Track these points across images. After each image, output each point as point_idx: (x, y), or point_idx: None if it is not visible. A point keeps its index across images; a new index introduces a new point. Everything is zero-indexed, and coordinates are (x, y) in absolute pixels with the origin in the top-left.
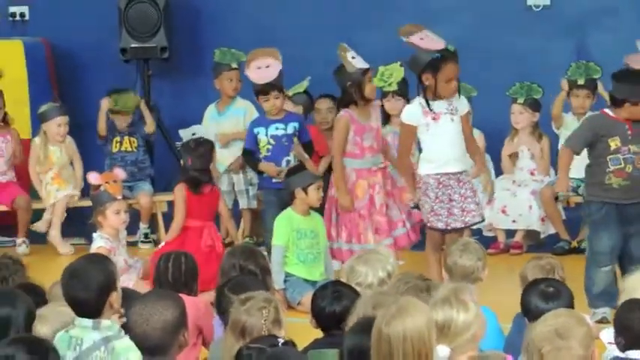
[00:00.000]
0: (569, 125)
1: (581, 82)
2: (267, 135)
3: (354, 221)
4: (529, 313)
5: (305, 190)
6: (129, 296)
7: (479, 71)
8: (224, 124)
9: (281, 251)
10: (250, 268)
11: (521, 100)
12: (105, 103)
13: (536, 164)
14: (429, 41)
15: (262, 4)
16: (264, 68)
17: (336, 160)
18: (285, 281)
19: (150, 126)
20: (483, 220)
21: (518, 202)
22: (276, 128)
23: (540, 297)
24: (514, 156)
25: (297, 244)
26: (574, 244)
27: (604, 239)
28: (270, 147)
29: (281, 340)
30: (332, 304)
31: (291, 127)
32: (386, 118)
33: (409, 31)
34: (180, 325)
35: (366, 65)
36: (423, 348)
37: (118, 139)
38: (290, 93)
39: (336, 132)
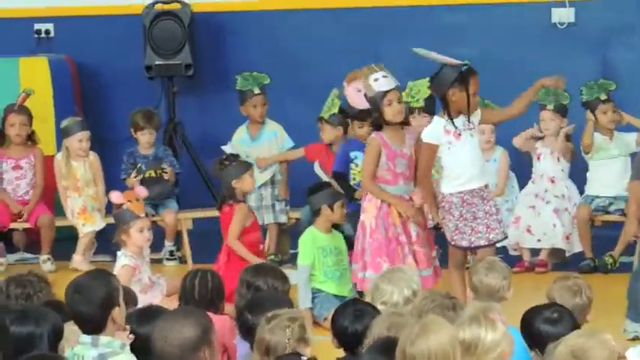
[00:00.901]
0: (600, 145)
1: (603, 97)
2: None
3: (393, 250)
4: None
5: (331, 206)
6: (154, 313)
7: (502, 88)
8: (258, 148)
9: (307, 270)
10: (258, 285)
11: (550, 107)
12: (134, 181)
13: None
14: (448, 59)
15: (287, 20)
16: (363, 91)
17: (365, 182)
18: (314, 297)
19: (170, 176)
20: (506, 238)
21: (542, 220)
22: None
23: (545, 323)
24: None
25: (323, 262)
26: (609, 259)
27: None
28: None
29: (304, 358)
30: (353, 323)
31: None
32: None
33: (426, 51)
34: (200, 344)
35: (386, 87)
36: None
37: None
38: (326, 116)
39: (366, 154)
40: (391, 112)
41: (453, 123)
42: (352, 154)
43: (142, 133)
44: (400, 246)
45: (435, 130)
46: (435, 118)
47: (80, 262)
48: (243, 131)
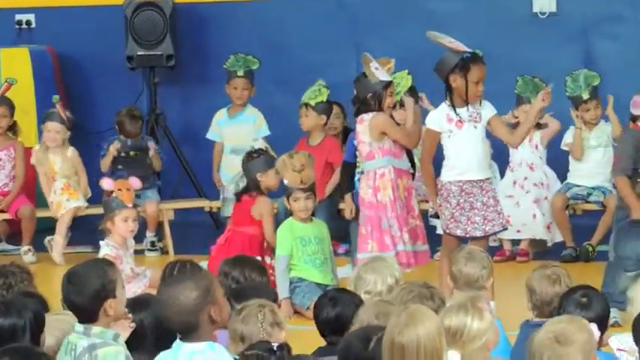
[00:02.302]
0: (586, 139)
1: (585, 96)
2: None
3: (406, 221)
4: None
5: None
6: (146, 301)
7: (485, 78)
8: (235, 128)
9: (284, 261)
10: (234, 276)
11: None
12: (113, 151)
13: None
14: (457, 44)
15: (270, 11)
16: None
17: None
18: (296, 287)
19: (156, 166)
20: (505, 229)
21: (521, 211)
22: None
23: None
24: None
25: (302, 251)
26: (589, 247)
27: (630, 244)
28: None
29: (275, 345)
30: (331, 310)
31: None
32: None
33: (438, 35)
34: (201, 305)
35: (388, 78)
36: (435, 354)
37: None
38: (312, 103)
39: (389, 129)
40: (390, 102)
41: (455, 111)
42: (355, 142)
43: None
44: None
45: (438, 116)
46: (442, 105)
47: (59, 248)
48: (222, 113)
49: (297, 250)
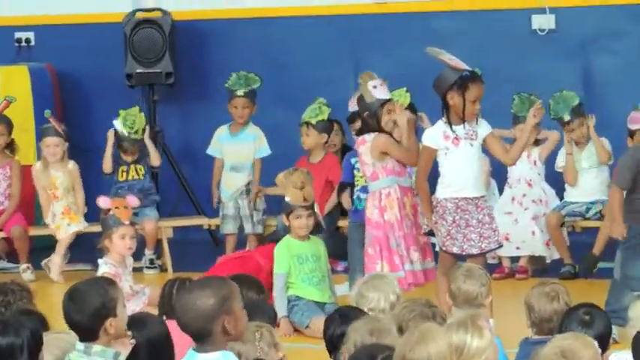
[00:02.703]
0: (578, 161)
1: (567, 117)
2: None
3: (414, 239)
4: None
5: (288, 217)
6: (142, 319)
7: (484, 94)
8: (236, 145)
9: (282, 279)
10: None
11: None
12: (111, 136)
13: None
14: (456, 62)
15: (270, 29)
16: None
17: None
18: (294, 305)
19: (155, 159)
20: (501, 246)
21: (520, 228)
22: None
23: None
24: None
25: (300, 269)
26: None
27: (638, 264)
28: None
29: None
30: (339, 327)
31: None
32: None
33: (438, 51)
34: (217, 313)
35: (386, 96)
36: None
37: (124, 167)
38: (313, 121)
39: (390, 148)
40: (388, 119)
41: (451, 128)
42: (353, 160)
43: (125, 152)
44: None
45: (434, 134)
46: (438, 122)
47: (57, 268)
48: (224, 129)
49: (295, 268)
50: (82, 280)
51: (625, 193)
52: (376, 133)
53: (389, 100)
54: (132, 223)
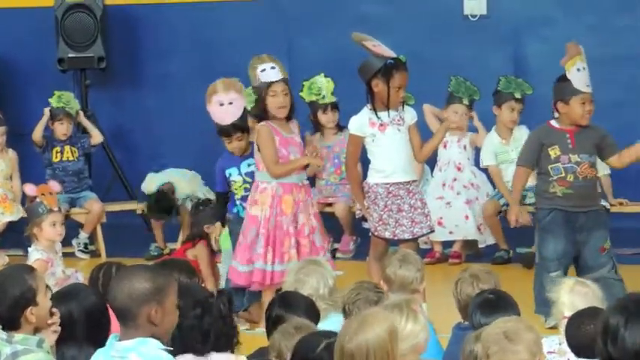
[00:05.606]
0: (498, 151)
1: (518, 96)
2: (240, 174)
3: (280, 240)
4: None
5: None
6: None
7: (416, 80)
8: None
9: (231, 255)
10: None
11: (466, 102)
12: (47, 112)
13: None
14: (381, 48)
15: (200, 14)
16: (227, 105)
17: (273, 169)
18: None
19: (96, 137)
20: (432, 232)
21: (453, 212)
22: (248, 165)
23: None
24: None
25: None
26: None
27: (551, 245)
28: (247, 186)
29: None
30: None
31: None
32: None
33: (362, 37)
34: (148, 299)
35: (272, 78)
36: (386, 358)
37: (58, 148)
38: (249, 107)
39: (261, 144)
40: (274, 103)
41: (376, 115)
42: (227, 172)
43: (60, 123)
44: (287, 237)
45: (359, 121)
46: (363, 109)
47: None
48: None
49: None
50: (1, 270)
51: (537, 174)
52: (265, 121)
53: (275, 82)
54: (59, 209)
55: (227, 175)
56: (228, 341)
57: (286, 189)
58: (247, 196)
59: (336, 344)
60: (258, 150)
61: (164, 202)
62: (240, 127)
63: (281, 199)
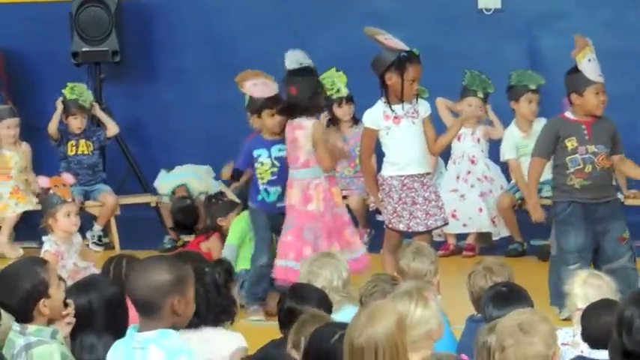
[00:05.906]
0: (519, 145)
1: (532, 87)
2: (270, 157)
3: (340, 230)
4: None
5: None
6: (91, 283)
7: (430, 74)
8: None
9: (233, 250)
10: None
11: (480, 95)
12: (60, 104)
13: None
14: (394, 42)
15: (213, 8)
16: (260, 85)
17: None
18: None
19: (111, 129)
20: (446, 224)
21: (467, 205)
22: (279, 150)
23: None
24: None
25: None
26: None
27: (572, 238)
28: (275, 170)
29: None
30: (290, 302)
31: None
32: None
33: (375, 31)
34: (170, 290)
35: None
36: (395, 351)
37: (73, 142)
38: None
39: (321, 138)
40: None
41: (391, 108)
42: (256, 153)
43: (74, 117)
44: (346, 225)
45: (374, 114)
46: (378, 102)
47: (7, 247)
48: None
49: (249, 242)
50: (12, 262)
51: (553, 168)
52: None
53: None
54: (73, 200)
55: (255, 156)
56: (224, 314)
57: (332, 181)
58: (274, 180)
59: (345, 339)
60: (313, 146)
61: (189, 220)
62: (280, 101)
63: (331, 192)
